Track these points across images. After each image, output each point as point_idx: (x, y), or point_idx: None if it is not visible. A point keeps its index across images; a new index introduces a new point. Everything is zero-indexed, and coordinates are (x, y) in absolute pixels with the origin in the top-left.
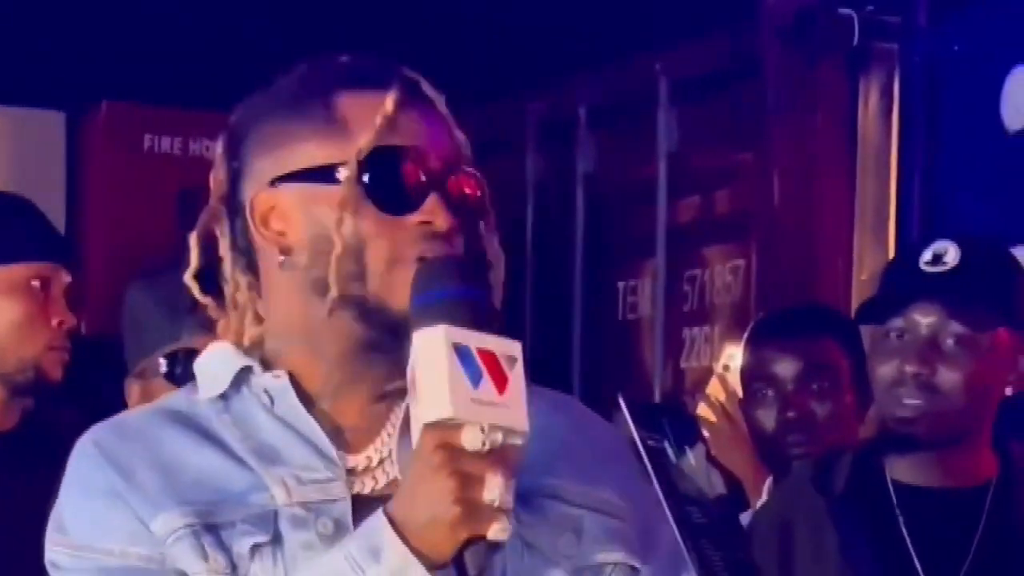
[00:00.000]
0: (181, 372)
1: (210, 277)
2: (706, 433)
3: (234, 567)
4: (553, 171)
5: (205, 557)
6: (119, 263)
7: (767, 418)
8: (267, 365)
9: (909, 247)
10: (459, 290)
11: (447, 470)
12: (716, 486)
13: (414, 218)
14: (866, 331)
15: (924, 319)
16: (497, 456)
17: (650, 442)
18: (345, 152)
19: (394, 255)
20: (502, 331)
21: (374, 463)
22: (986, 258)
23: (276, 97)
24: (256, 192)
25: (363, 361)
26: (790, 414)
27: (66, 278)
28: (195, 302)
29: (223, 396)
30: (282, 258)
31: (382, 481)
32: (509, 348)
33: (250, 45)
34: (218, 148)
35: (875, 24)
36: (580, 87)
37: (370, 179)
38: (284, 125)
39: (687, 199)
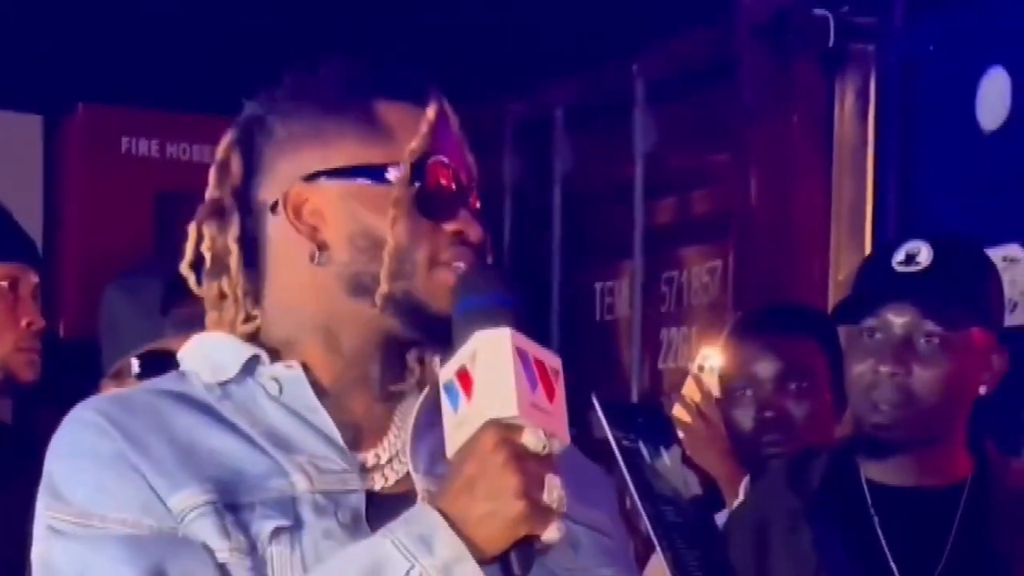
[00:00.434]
0: (155, 373)
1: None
2: (681, 434)
3: (253, 548)
4: (530, 172)
5: (228, 536)
6: (96, 265)
7: (745, 418)
8: (271, 356)
9: (883, 247)
10: (503, 297)
11: (512, 466)
12: (692, 486)
13: (450, 226)
14: (841, 331)
15: (898, 319)
16: (550, 460)
17: (625, 442)
18: (389, 155)
19: (434, 258)
20: None
21: (383, 460)
22: (959, 257)
23: (303, 96)
24: (289, 186)
25: (380, 359)
26: (768, 414)
27: (34, 279)
28: (171, 303)
29: (220, 383)
30: (317, 253)
31: (392, 479)
32: (555, 361)
33: (228, 47)
34: (227, 141)
35: (851, 25)
36: (557, 89)
37: (420, 183)
38: (318, 123)
39: (664, 200)
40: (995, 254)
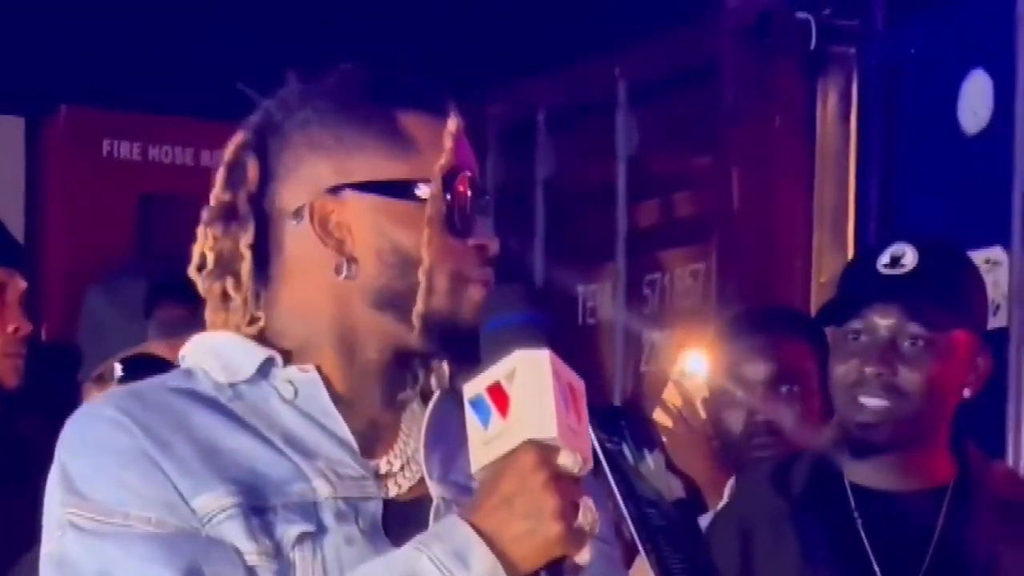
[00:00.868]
0: (138, 377)
1: (179, 274)
2: (663, 438)
3: (278, 552)
4: (512, 174)
5: (255, 539)
6: (78, 267)
7: (735, 420)
8: (284, 359)
9: (867, 249)
10: (534, 316)
11: (552, 487)
12: (675, 489)
13: (471, 241)
14: (825, 333)
15: (883, 321)
16: (581, 482)
17: (608, 444)
18: (416, 170)
19: (461, 274)
20: None
21: (396, 467)
22: (943, 260)
23: (320, 102)
24: (310, 196)
25: (392, 369)
26: (758, 417)
27: (21, 284)
28: (154, 306)
29: (231, 384)
30: (345, 266)
31: (405, 486)
32: (580, 383)
33: (211, 51)
34: (237, 143)
35: (833, 28)
36: (539, 90)
37: (449, 200)
38: (341, 131)
39: (646, 202)
40: (977, 256)
